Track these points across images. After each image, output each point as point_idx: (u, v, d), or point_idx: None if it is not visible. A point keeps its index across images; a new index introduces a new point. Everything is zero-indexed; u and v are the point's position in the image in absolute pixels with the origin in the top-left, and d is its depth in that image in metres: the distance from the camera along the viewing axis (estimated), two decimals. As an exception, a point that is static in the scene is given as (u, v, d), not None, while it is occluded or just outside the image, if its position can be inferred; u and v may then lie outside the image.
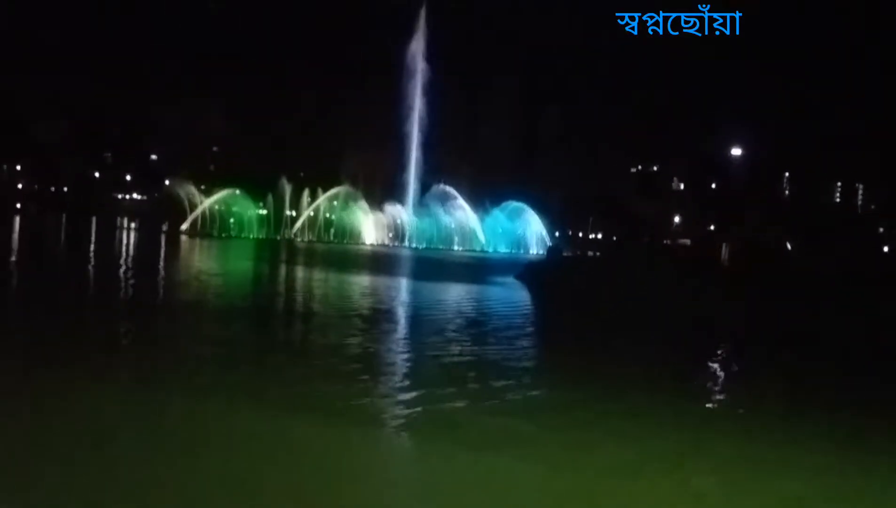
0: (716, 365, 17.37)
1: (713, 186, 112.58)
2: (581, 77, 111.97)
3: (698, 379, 15.40)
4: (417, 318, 22.78)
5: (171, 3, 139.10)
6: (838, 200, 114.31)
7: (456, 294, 32.19)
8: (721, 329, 23.47)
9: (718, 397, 14.09)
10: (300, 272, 41.14)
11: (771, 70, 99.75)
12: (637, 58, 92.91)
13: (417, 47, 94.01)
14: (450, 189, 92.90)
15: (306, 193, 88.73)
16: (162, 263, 42.33)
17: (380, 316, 22.36)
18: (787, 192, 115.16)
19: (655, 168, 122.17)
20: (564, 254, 58.74)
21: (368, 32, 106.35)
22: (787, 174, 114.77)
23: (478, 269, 52.54)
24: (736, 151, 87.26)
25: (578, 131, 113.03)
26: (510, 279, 40.29)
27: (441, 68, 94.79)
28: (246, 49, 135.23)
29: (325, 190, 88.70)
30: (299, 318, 21.71)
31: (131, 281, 28.98)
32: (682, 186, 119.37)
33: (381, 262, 54.03)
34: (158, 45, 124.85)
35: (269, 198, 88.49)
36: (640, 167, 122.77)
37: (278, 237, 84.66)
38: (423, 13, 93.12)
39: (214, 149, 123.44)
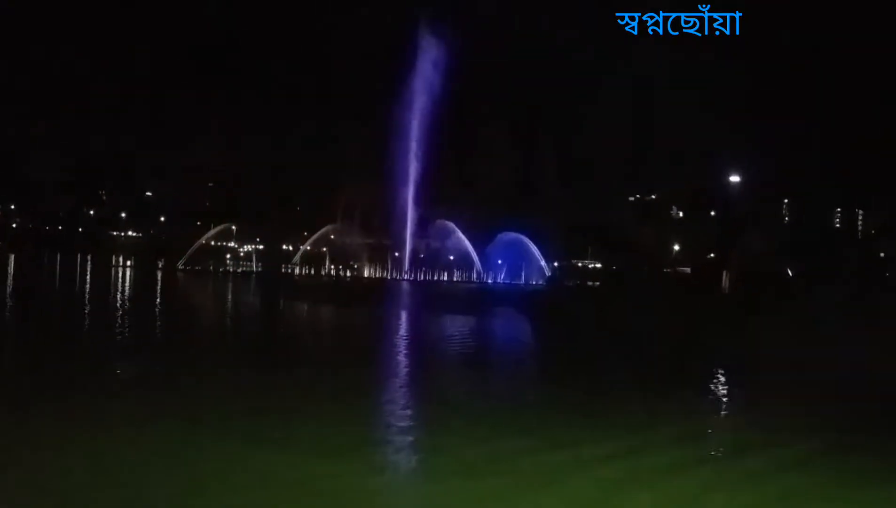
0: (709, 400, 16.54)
1: (712, 213, 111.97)
2: (578, 106, 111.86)
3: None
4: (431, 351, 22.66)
5: (165, 39, 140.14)
6: (838, 225, 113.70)
7: (455, 327, 31.44)
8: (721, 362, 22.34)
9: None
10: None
11: (771, 99, 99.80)
12: (635, 85, 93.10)
13: (414, 78, 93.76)
14: (448, 223, 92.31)
15: (302, 227, 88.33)
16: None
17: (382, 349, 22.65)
18: (786, 218, 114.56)
19: (654, 196, 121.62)
20: (564, 284, 58.18)
21: (365, 64, 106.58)
22: (786, 201, 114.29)
23: (477, 301, 51.75)
24: (735, 179, 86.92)
25: (576, 161, 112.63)
26: (509, 310, 39.71)
27: (438, 99, 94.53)
28: (241, 84, 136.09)
29: (322, 223, 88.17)
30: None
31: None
32: (680, 214, 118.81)
33: (379, 295, 53.19)
34: (153, 82, 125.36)
35: (267, 232, 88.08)
36: (638, 196, 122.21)
37: (274, 271, 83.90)
38: (420, 43, 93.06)
39: (210, 185, 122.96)
